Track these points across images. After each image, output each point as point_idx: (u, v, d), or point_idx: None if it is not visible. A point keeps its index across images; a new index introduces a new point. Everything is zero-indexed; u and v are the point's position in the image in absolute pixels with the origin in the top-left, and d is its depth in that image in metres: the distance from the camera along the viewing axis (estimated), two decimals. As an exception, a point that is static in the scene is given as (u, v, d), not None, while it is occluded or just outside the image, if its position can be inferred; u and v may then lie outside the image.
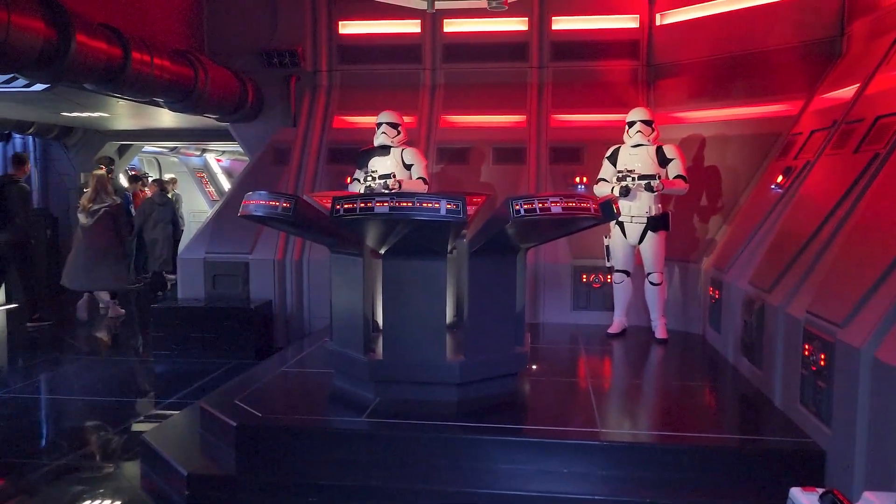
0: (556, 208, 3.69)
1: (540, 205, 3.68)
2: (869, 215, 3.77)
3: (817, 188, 4.74)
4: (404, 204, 3.65)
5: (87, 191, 8.47)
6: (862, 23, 5.70)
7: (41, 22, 4.63)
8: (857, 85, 5.12)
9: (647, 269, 6.08)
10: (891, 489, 2.69)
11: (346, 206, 3.72)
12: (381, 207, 3.65)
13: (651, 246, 5.98)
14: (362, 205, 3.69)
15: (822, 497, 2.52)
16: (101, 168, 9.66)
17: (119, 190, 10.90)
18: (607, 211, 4.27)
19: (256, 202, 4.07)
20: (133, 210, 11.09)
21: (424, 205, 3.63)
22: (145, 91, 6.00)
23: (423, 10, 6.08)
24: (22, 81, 5.55)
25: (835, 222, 4.10)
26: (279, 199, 3.90)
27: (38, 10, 4.63)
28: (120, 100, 7.16)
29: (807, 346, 3.70)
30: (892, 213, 3.55)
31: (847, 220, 3.97)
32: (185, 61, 6.48)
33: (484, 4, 4.67)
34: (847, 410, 3.23)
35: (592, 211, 3.94)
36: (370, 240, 4.15)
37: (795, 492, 2.64)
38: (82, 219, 8.32)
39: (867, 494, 2.59)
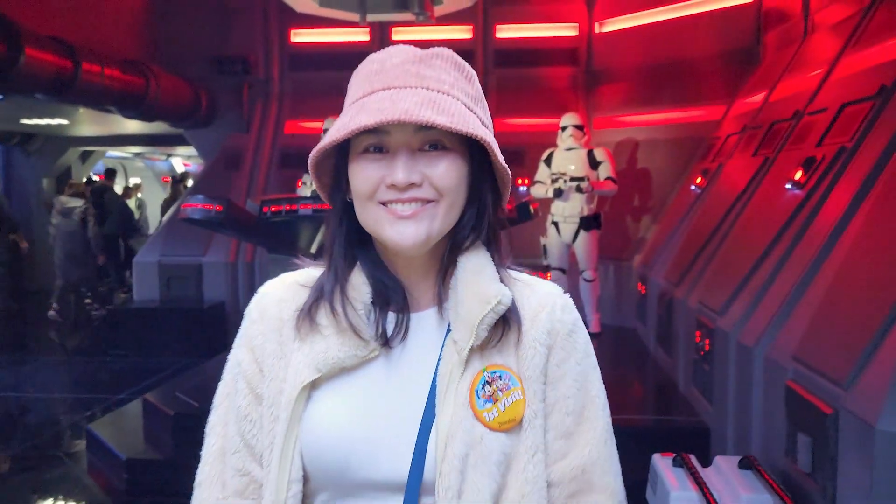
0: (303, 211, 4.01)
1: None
2: (751, 214, 4.13)
3: (722, 189, 5.11)
4: (326, 207, 3.94)
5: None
6: (774, 33, 6.10)
7: (-11, 36, 4.86)
8: (765, 92, 5.51)
9: (580, 267, 6.41)
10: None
11: (272, 208, 4.01)
12: (305, 210, 3.95)
13: (584, 244, 6.31)
14: (287, 207, 3.98)
15: (674, 460, 2.87)
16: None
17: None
18: (524, 212, 4.61)
19: (193, 206, 4.33)
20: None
21: (345, 207, 3.93)
22: (96, 100, 6.24)
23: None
24: (-26, 92, 5.77)
25: (730, 220, 4.46)
26: (212, 203, 4.17)
27: (-14, 25, 4.87)
28: (78, 107, 7.39)
29: (697, 334, 4.05)
30: (768, 212, 3.91)
31: (737, 218, 4.34)
32: (136, 71, 6.71)
33: (412, 18, 4.97)
34: (722, 389, 3.58)
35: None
36: (301, 240, 4.44)
37: (656, 457, 2.99)
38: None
39: (717, 459, 2.95)
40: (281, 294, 0.96)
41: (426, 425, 0.86)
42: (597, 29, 7.97)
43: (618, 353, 6.05)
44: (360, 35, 8.19)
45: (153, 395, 4.59)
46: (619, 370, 5.57)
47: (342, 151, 0.91)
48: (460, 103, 0.87)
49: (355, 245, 0.93)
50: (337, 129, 0.86)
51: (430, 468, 0.84)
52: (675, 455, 2.86)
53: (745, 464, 2.79)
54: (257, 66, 8.27)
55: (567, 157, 6.33)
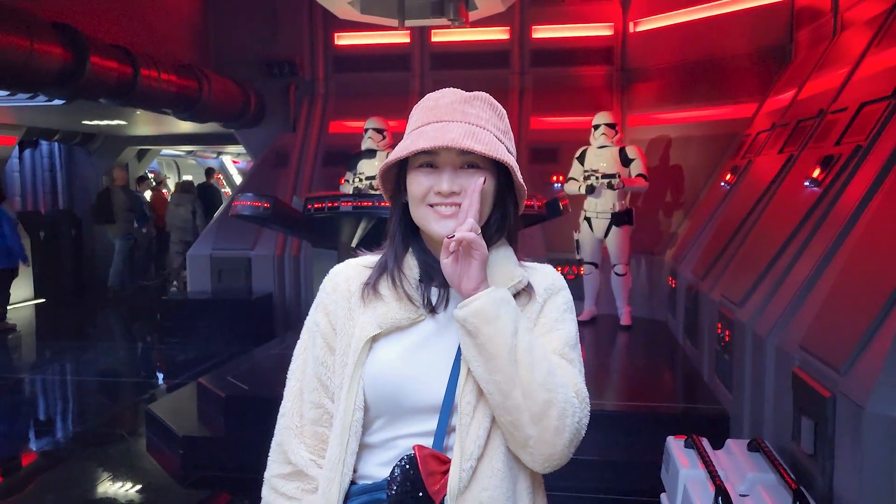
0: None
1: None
2: (773, 210, 4.27)
3: (749, 185, 5.23)
4: (365, 203, 4.23)
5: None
6: (806, 30, 6.16)
7: (59, 47, 5.28)
8: (795, 90, 5.60)
9: (612, 261, 6.58)
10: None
11: (315, 205, 4.31)
12: (345, 206, 4.24)
13: (615, 239, 6.48)
14: (329, 204, 4.28)
15: (685, 442, 3.07)
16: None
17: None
18: (553, 208, 4.81)
19: (243, 203, 4.67)
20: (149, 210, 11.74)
21: (383, 204, 4.21)
22: (154, 103, 6.65)
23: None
24: (44, 97, 6.21)
25: (754, 216, 4.60)
26: (261, 200, 4.50)
27: (56, 37, 5.28)
28: (136, 109, 7.85)
29: (719, 325, 4.21)
30: (788, 208, 4.05)
31: (761, 214, 4.47)
32: (190, 74, 7.11)
33: (447, 22, 5.21)
34: (739, 378, 3.75)
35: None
36: (343, 234, 4.73)
37: (669, 439, 3.19)
38: None
39: (729, 441, 3.14)
40: (349, 272, 1.28)
41: (457, 364, 1.16)
42: (631, 28, 8.10)
43: (649, 345, 6.21)
44: (401, 37, 8.47)
45: (206, 379, 4.95)
46: (650, 361, 5.74)
47: (403, 166, 1.23)
48: (492, 135, 1.19)
49: (409, 236, 1.25)
50: (401, 149, 1.18)
51: (458, 393, 1.15)
52: (686, 437, 3.05)
53: (753, 446, 2.96)
54: (303, 68, 8.64)
55: (599, 155, 6.50)
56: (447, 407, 1.15)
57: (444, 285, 1.20)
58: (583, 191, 6.42)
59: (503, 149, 1.17)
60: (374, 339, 1.19)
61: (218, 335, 7.27)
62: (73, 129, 10.94)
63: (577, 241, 6.67)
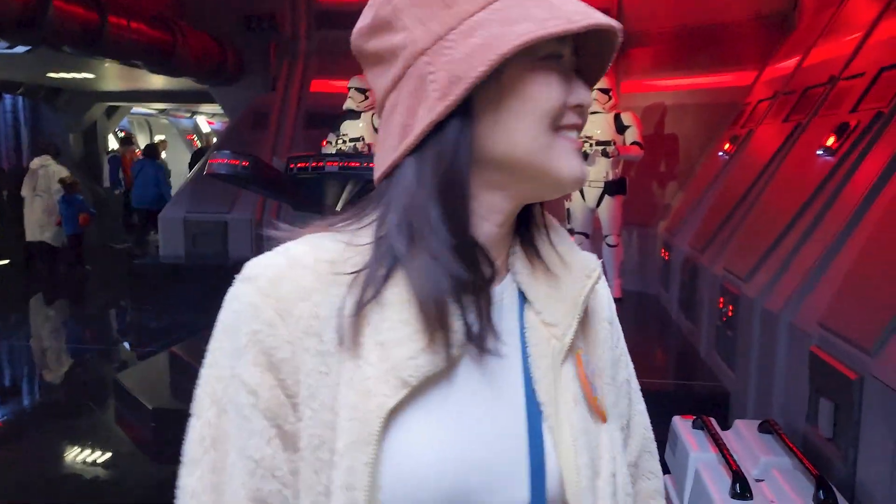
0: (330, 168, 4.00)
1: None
2: (780, 181, 4.08)
3: (752, 155, 5.04)
4: (353, 164, 3.96)
5: None
6: (811, -4, 5.94)
7: (19, -12, 4.88)
8: (799, 57, 5.38)
9: (604, 232, 6.37)
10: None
11: (299, 164, 4.02)
12: (332, 167, 3.96)
13: (608, 209, 6.27)
14: (314, 164, 4.00)
15: (693, 423, 2.88)
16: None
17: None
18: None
19: (220, 161, 4.37)
20: (122, 172, 11.36)
21: (371, 165, 3.94)
22: (123, 54, 6.26)
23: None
24: (3, 44, 5.80)
25: (759, 187, 4.41)
26: (239, 158, 4.20)
27: (16, -23, 4.88)
28: (105, 61, 7.42)
29: (721, 300, 4.03)
30: (798, 179, 3.86)
31: (766, 185, 4.28)
32: (163, 26, 6.71)
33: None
34: (745, 355, 3.58)
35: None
36: (328, 197, 4.46)
37: (676, 419, 3.00)
38: None
39: (737, 422, 2.96)
40: (310, 282, 0.64)
41: (536, 433, 0.66)
42: (628, -10, 7.81)
43: (640, 318, 6.05)
44: (387, -7, 8.08)
45: (179, 348, 4.69)
46: (641, 336, 5.58)
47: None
48: None
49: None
50: (538, 27, 0.59)
51: (554, 485, 0.66)
52: (695, 418, 2.87)
53: (764, 428, 2.79)
54: (284, 24, 8.22)
55: (593, 122, 6.22)
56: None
57: (482, 292, 0.65)
58: (575, 158, 6.18)
59: None
60: (395, 409, 0.61)
61: (192, 302, 6.96)
62: (37, 83, 10.43)
63: (568, 210, 6.45)
